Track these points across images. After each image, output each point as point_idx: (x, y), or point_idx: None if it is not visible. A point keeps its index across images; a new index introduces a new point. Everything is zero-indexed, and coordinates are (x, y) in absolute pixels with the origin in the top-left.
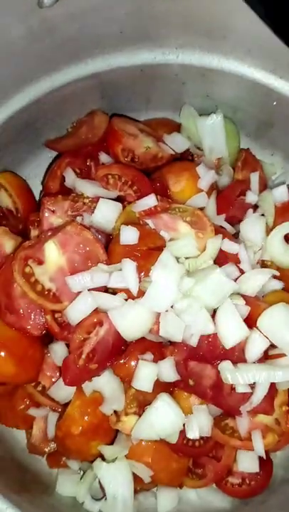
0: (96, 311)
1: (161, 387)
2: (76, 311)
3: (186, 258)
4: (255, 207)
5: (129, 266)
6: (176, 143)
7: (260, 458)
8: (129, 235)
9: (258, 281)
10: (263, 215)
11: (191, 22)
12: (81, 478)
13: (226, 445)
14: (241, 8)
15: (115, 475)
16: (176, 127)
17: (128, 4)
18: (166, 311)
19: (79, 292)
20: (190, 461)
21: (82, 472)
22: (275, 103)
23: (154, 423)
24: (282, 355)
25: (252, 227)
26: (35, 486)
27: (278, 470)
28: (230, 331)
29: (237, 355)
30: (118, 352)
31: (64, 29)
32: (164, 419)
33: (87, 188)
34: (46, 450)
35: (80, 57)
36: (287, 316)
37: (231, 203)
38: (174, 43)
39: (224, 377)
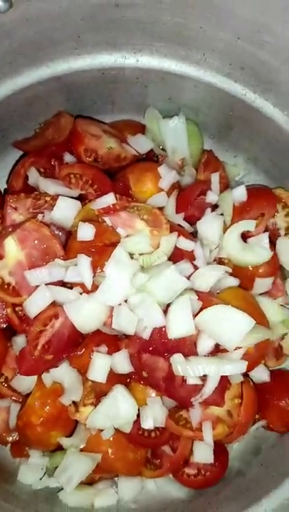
0: (53, 304)
1: (118, 379)
2: (34, 305)
3: (141, 254)
4: (216, 206)
5: (83, 261)
6: (140, 144)
7: (217, 450)
8: (86, 232)
9: (211, 277)
10: (222, 214)
11: (147, 28)
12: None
13: (180, 436)
14: (196, 14)
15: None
16: (141, 129)
17: (83, 10)
18: (120, 304)
19: (37, 286)
20: (149, 451)
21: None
22: (230, 108)
23: (108, 412)
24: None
25: (209, 225)
26: None
27: (234, 462)
28: (178, 324)
29: (189, 349)
30: (74, 344)
31: (21, 33)
32: (117, 408)
33: (48, 187)
34: (9, 440)
35: (40, 60)
36: (224, 316)
37: (190, 202)
38: (132, 48)
39: (175, 370)
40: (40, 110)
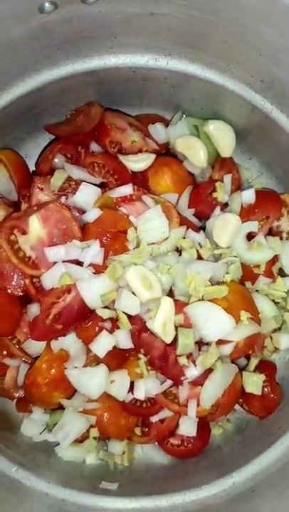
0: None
1: (119, 353)
2: (50, 278)
3: (150, 244)
4: (226, 205)
5: (95, 245)
6: (158, 133)
7: (201, 426)
8: (92, 214)
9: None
10: None
11: (178, 35)
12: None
13: (167, 408)
14: (222, 28)
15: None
16: (166, 123)
17: (121, 16)
18: (121, 287)
19: (54, 262)
20: (139, 420)
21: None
22: (249, 115)
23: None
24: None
25: (216, 224)
26: (2, 424)
27: (216, 439)
28: None
29: None
30: (82, 317)
31: (61, 32)
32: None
33: (73, 172)
34: (16, 395)
35: (77, 56)
36: (211, 313)
37: (202, 199)
38: (162, 51)
39: None
40: (72, 99)
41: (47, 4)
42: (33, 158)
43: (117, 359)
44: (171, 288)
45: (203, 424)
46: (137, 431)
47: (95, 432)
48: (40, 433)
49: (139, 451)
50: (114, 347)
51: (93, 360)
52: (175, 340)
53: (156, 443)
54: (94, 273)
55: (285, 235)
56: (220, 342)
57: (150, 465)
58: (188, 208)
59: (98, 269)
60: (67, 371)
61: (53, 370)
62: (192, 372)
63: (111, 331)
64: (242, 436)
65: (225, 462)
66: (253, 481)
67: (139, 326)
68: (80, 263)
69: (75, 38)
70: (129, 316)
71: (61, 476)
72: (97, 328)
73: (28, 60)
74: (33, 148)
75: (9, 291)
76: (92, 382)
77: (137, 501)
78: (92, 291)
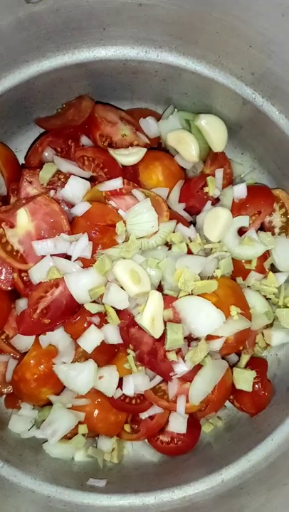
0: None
1: (107, 348)
2: (38, 272)
3: (139, 238)
4: (217, 200)
5: (84, 239)
6: (149, 127)
7: (191, 423)
8: (81, 208)
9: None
10: None
11: (168, 27)
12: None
13: (156, 405)
14: (213, 19)
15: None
16: (157, 117)
17: (109, 6)
18: (110, 281)
19: (43, 256)
20: (129, 417)
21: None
22: (241, 108)
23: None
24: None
25: (206, 217)
26: None
27: (206, 436)
28: None
29: None
30: (70, 312)
31: (49, 22)
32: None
33: (62, 165)
34: (4, 391)
35: (66, 48)
36: (200, 308)
37: (193, 194)
38: (152, 43)
39: None
40: (63, 92)
41: None
42: (23, 152)
43: (106, 355)
44: (160, 282)
45: (193, 421)
46: (127, 428)
47: (83, 429)
48: (29, 429)
49: (128, 448)
50: (103, 342)
51: (82, 356)
52: (164, 335)
53: (146, 440)
54: (82, 267)
55: (277, 230)
56: (209, 337)
57: (139, 462)
58: (179, 202)
59: (86, 263)
60: (55, 367)
61: (42, 366)
62: (181, 368)
63: (99, 326)
64: (232, 434)
65: (214, 459)
66: (242, 478)
67: (127, 320)
68: (68, 257)
69: (63, 29)
70: (118, 311)
71: (48, 473)
72: (85, 324)
73: (16, 51)
74: (23, 142)
75: None
76: (81, 378)
77: (125, 498)
78: (81, 285)
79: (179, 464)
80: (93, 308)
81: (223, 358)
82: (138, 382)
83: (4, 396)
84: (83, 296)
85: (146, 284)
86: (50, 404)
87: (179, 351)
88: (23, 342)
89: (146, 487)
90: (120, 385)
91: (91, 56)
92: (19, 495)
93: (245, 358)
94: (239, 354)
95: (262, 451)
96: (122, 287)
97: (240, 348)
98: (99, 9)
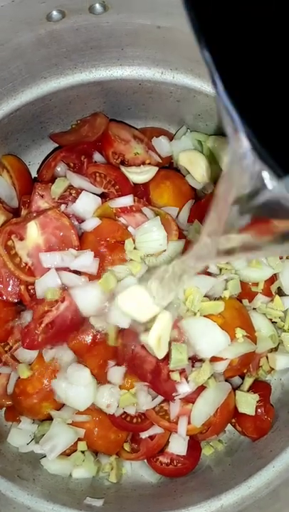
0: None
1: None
2: (43, 285)
3: (147, 256)
4: None
5: (88, 255)
6: (162, 147)
7: (191, 446)
8: (90, 223)
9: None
10: None
11: (184, 50)
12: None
13: (157, 424)
14: None
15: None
16: (170, 137)
17: (128, 28)
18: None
19: (49, 269)
20: (129, 435)
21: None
22: None
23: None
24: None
25: None
26: None
27: (206, 459)
28: None
29: None
30: (75, 327)
31: (69, 40)
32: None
33: (74, 180)
34: (5, 404)
35: (84, 66)
36: (206, 329)
37: (203, 214)
38: (169, 65)
39: None
40: (78, 109)
41: (55, 12)
42: (36, 166)
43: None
44: None
45: (194, 444)
46: (127, 447)
47: (83, 446)
48: (28, 444)
49: (127, 468)
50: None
51: None
52: (168, 355)
53: (146, 460)
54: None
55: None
56: (214, 359)
57: (138, 483)
58: (188, 222)
59: (92, 279)
60: (55, 382)
61: (44, 380)
62: (184, 389)
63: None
64: (233, 458)
65: (214, 484)
66: (241, 505)
67: (131, 338)
68: (75, 272)
69: (82, 48)
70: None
71: (45, 490)
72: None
73: (35, 67)
74: (36, 156)
75: (4, 297)
76: (79, 394)
77: None
78: (87, 297)
79: (178, 486)
80: (97, 323)
81: (226, 380)
82: (141, 400)
83: (4, 409)
84: (89, 308)
85: (154, 308)
86: (50, 418)
87: (182, 372)
88: (27, 355)
89: (144, 509)
90: None
91: (108, 75)
92: (14, 511)
93: (248, 381)
94: (243, 377)
95: (263, 478)
96: None
97: (244, 370)
98: (118, 30)
